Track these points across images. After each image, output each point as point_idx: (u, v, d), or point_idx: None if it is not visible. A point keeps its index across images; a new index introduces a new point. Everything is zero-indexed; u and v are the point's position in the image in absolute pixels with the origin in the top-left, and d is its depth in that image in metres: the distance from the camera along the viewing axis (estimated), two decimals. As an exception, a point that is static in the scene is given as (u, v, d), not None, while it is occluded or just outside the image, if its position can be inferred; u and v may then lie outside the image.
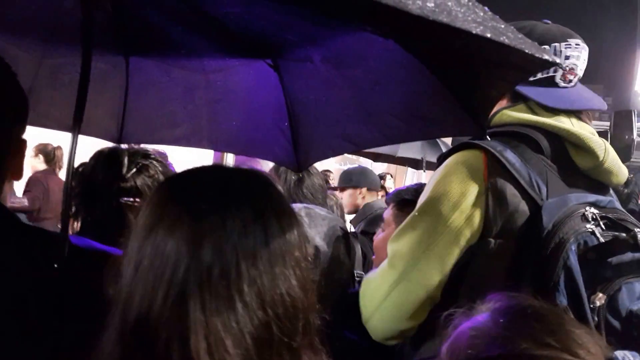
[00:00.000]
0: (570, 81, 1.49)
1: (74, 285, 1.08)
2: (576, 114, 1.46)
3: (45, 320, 1.03)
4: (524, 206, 1.33)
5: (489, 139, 1.38)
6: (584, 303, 1.21)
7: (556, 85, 1.48)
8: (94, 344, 0.84)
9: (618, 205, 1.41)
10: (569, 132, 1.39)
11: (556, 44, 1.46)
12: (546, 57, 0.85)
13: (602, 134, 1.52)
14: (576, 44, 1.49)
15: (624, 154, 1.55)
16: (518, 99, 1.46)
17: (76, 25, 1.29)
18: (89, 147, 1.49)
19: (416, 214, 1.40)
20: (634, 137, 1.57)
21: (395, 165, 6.95)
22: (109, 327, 0.83)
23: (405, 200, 1.82)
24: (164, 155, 1.50)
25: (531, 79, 1.44)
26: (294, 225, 0.89)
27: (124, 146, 1.49)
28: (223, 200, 0.84)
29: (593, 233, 1.26)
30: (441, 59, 1.14)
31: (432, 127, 1.43)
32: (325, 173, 6.49)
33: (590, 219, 1.28)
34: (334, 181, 6.47)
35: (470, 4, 0.88)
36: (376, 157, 6.57)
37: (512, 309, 0.96)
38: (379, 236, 1.90)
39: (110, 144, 1.59)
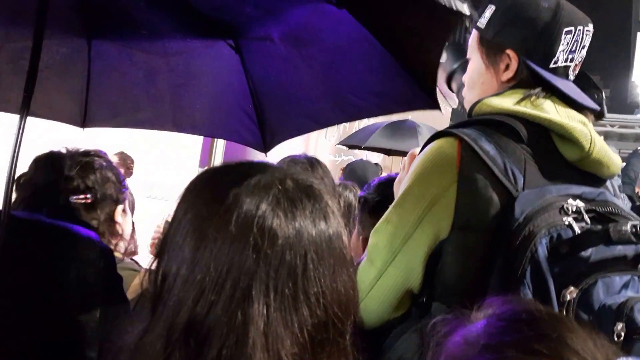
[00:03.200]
0: (575, 75, 1.43)
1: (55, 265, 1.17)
2: (579, 108, 1.39)
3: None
4: (496, 197, 1.26)
5: (464, 128, 1.32)
6: (551, 297, 1.15)
7: (567, 76, 1.41)
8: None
9: (611, 197, 1.33)
10: (551, 122, 1.31)
11: (580, 27, 1.38)
12: (457, 6, 0.88)
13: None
14: (592, 31, 1.43)
15: (597, 113, 1.48)
16: (538, 84, 1.36)
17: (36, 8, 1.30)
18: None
19: (392, 207, 1.37)
20: (603, 95, 1.51)
21: (390, 157, 6.89)
22: (153, 330, 0.82)
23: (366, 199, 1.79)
24: (103, 153, 1.55)
25: (551, 65, 1.37)
26: (342, 225, 0.89)
27: (63, 150, 1.51)
28: (281, 205, 0.82)
29: (570, 226, 1.20)
30: (384, 26, 1.19)
31: (388, 103, 1.47)
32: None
33: (570, 212, 1.22)
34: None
35: None
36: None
37: (507, 314, 0.91)
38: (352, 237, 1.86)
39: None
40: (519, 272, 1.18)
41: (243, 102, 1.60)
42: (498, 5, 1.41)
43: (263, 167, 0.88)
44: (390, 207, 1.36)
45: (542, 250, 1.18)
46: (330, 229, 0.84)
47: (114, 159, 5.52)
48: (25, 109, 1.31)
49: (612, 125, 14.58)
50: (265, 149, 1.70)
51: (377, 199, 1.73)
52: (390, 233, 1.33)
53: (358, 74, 1.43)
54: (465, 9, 0.92)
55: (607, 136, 13.92)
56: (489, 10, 1.41)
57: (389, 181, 1.72)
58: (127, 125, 1.68)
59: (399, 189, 1.42)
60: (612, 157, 1.39)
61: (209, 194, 0.85)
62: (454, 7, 0.90)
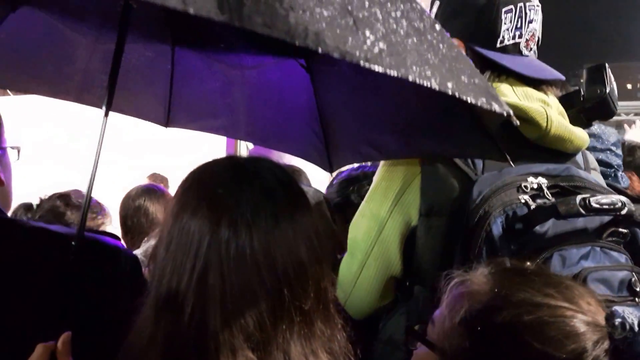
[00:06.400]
0: (531, 49, 1.45)
1: (86, 273, 1.21)
2: (536, 84, 1.42)
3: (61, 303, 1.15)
4: (456, 183, 1.33)
5: None
6: None
7: (520, 52, 1.43)
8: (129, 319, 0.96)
9: (577, 172, 1.35)
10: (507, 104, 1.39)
11: (521, 4, 1.40)
12: (496, 108, 0.80)
13: (571, 94, 1.49)
14: (537, 5, 1.44)
15: (601, 111, 1.48)
16: (487, 67, 1.40)
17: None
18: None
19: (364, 201, 1.47)
20: (607, 91, 1.46)
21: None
22: (146, 301, 0.95)
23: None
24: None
25: (498, 45, 1.40)
26: (302, 201, 0.99)
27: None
28: (236, 184, 0.94)
29: (526, 203, 1.24)
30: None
31: (456, 147, 1.36)
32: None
33: (528, 190, 1.26)
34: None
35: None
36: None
37: (510, 270, 1.00)
38: None
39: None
40: (476, 251, 1.23)
41: (311, 120, 1.57)
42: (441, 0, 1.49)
43: (239, 161, 1.01)
44: (363, 201, 1.48)
45: (497, 229, 1.22)
46: (280, 213, 0.92)
47: (146, 182, 5.65)
48: (107, 110, 1.37)
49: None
50: (331, 168, 1.68)
51: (337, 199, 1.82)
52: (366, 226, 1.44)
53: (427, 112, 1.33)
54: (501, 109, 0.87)
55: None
56: (435, 6, 1.50)
57: (349, 181, 1.82)
58: (206, 130, 1.76)
59: None
60: (573, 132, 1.39)
61: (189, 185, 0.98)
62: (492, 108, 0.85)
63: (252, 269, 0.89)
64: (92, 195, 1.98)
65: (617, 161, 2.27)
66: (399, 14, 0.85)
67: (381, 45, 0.76)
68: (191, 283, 0.89)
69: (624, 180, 2.28)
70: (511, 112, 0.85)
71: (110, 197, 2.90)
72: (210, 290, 0.88)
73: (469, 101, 0.79)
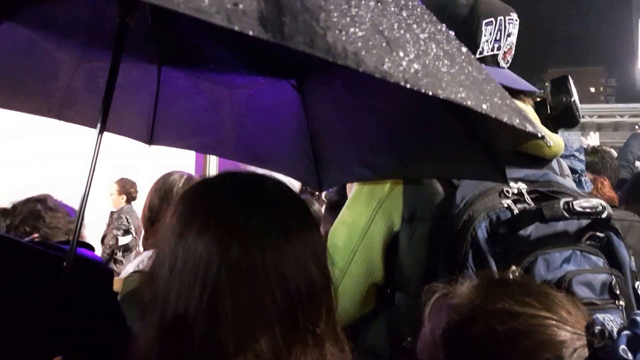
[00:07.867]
0: (508, 61, 1.50)
1: (76, 291, 1.19)
2: (515, 94, 1.44)
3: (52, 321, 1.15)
4: (440, 188, 1.35)
5: None
6: None
7: (498, 64, 1.47)
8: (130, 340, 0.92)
9: (554, 177, 1.39)
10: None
11: (501, 17, 1.44)
12: (530, 129, 0.81)
13: (538, 103, 1.52)
14: (516, 20, 1.49)
15: (567, 118, 1.52)
16: None
17: (114, 33, 1.34)
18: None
19: (345, 208, 1.46)
20: (572, 99, 1.53)
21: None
22: (147, 323, 0.91)
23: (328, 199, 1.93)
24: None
25: (477, 55, 1.43)
26: (310, 220, 0.97)
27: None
28: (245, 202, 0.91)
29: (508, 208, 1.26)
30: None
31: (454, 168, 1.35)
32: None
33: (510, 195, 1.28)
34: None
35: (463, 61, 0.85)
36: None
37: (492, 281, 1.01)
38: None
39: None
40: (462, 255, 1.24)
41: (302, 140, 1.56)
42: None
43: (245, 178, 0.97)
44: (344, 208, 1.47)
45: (482, 233, 1.24)
46: (290, 232, 0.90)
47: (115, 187, 5.66)
48: (102, 128, 1.33)
49: (621, 116, 13.32)
50: (321, 187, 1.66)
51: (335, 198, 1.84)
52: (347, 232, 1.42)
53: (423, 133, 1.33)
54: (535, 130, 0.86)
55: (618, 127, 12.68)
56: None
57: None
58: (192, 148, 1.74)
59: (351, 189, 1.54)
60: (552, 138, 1.42)
61: (192, 202, 0.94)
62: (527, 129, 0.84)
63: (264, 289, 0.86)
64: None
65: (580, 166, 2.35)
66: (425, 35, 0.86)
67: (416, 66, 0.76)
68: (201, 306, 0.85)
69: (587, 185, 2.36)
70: (545, 134, 0.85)
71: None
72: (221, 313, 0.85)
73: (505, 121, 0.79)
